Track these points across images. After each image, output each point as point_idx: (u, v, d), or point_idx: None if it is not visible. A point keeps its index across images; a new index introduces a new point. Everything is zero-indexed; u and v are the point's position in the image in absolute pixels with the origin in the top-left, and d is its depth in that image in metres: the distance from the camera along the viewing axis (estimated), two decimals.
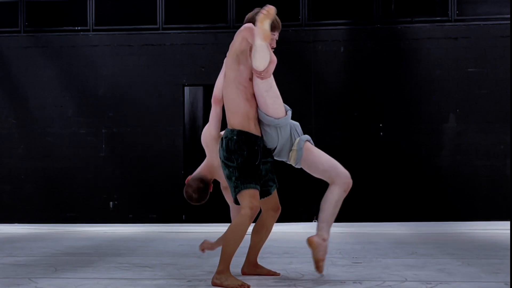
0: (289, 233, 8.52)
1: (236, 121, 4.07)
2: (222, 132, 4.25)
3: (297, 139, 4.21)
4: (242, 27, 4.06)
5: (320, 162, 4.25)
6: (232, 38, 4.14)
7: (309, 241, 4.22)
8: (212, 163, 4.37)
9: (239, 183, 3.99)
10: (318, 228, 4.23)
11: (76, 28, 9.93)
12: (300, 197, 9.23)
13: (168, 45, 9.80)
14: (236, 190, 4.01)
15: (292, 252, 6.27)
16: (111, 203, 9.74)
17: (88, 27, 9.91)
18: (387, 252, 6.16)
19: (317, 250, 4.21)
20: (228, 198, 4.45)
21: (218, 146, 4.19)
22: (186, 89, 10.06)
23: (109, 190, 9.74)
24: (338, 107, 9.50)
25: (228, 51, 4.16)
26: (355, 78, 9.56)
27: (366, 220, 9.16)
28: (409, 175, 9.35)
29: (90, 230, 9.24)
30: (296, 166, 4.32)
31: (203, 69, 9.68)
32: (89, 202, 9.75)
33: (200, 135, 4.58)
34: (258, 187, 4.03)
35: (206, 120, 4.76)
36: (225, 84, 4.12)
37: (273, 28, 4.08)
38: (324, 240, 4.19)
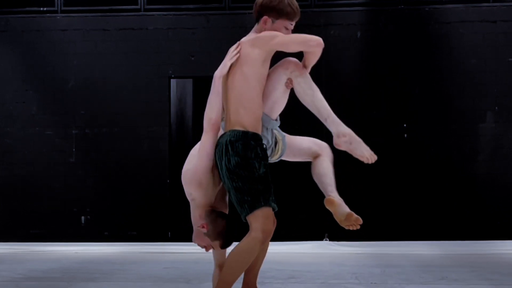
0: (295, 254, 8.53)
1: (248, 121, 4.03)
2: None
3: (275, 131, 4.37)
4: (305, 38, 4.19)
5: (301, 141, 4.46)
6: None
7: (329, 201, 4.23)
8: (210, 202, 4.17)
9: (261, 198, 3.92)
10: (329, 191, 4.28)
11: (42, 9, 9.94)
12: (307, 212, 9.24)
13: (151, 30, 9.82)
14: (256, 206, 3.91)
15: (299, 277, 6.28)
16: (83, 217, 9.75)
17: (56, 8, 9.93)
18: (411, 277, 6.17)
19: (340, 207, 4.24)
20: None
21: (213, 179, 4.12)
22: (173, 81, 10.07)
23: (81, 202, 9.74)
24: (353, 104, 9.51)
25: (257, 41, 4.10)
26: (374, 69, 9.57)
27: (386, 239, 9.16)
28: (439, 185, 9.36)
29: (58, 250, 9.24)
30: (276, 160, 4.44)
31: (192, 58, 9.70)
32: (57, 217, 9.75)
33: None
34: (276, 206, 4.03)
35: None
36: (241, 78, 4.04)
37: (289, 14, 4.21)
38: (341, 200, 4.24)
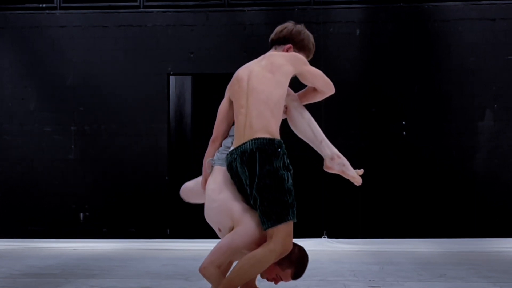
0: None
1: (274, 127, 3.96)
2: None
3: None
4: (329, 81, 4.30)
5: None
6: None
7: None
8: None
9: (290, 211, 3.87)
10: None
11: (41, 5, 9.93)
12: (306, 209, 9.23)
13: (150, 27, 9.81)
14: (285, 219, 3.83)
15: None
16: (81, 214, 9.75)
17: (55, 4, 9.92)
18: (410, 275, 6.18)
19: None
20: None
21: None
22: (172, 78, 10.07)
23: (80, 199, 9.75)
24: (352, 102, 9.51)
25: (294, 59, 4.19)
26: (373, 66, 9.57)
27: (385, 236, 9.17)
28: (437, 182, 9.37)
29: (57, 246, 9.25)
30: None
31: (191, 55, 9.69)
32: (56, 214, 9.76)
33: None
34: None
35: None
36: (273, 83, 4.04)
37: (309, 52, 4.34)
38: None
